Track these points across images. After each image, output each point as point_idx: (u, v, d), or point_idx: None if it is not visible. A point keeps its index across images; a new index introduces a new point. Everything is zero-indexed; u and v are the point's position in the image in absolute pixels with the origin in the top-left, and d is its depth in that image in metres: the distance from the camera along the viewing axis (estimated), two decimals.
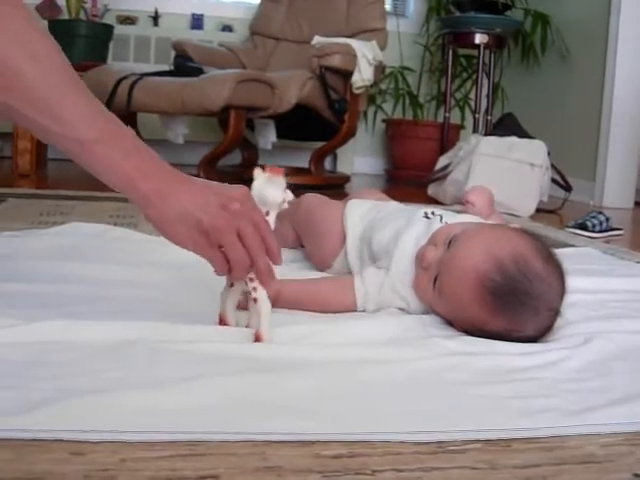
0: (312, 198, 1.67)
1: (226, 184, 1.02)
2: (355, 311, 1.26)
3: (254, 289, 1.02)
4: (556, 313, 1.13)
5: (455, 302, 1.14)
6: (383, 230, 1.36)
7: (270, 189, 1.02)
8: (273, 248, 1.00)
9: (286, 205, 1.05)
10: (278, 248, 1.01)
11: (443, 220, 1.31)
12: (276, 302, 1.17)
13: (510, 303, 1.08)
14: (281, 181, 1.03)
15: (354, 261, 1.44)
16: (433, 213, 1.35)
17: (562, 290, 1.12)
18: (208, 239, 0.96)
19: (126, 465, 0.68)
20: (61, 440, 0.71)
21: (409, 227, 1.31)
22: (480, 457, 0.75)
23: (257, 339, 1.01)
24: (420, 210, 1.38)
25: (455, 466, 0.73)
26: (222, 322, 1.08)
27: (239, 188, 1.00)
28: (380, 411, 0.84)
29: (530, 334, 1.12)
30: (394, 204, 1.54)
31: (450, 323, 1.19)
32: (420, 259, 1.20)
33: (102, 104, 0.98)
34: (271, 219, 1.04)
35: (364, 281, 1.26)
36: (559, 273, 1.12)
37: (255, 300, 1.03)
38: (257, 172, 1.04)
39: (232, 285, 1.06)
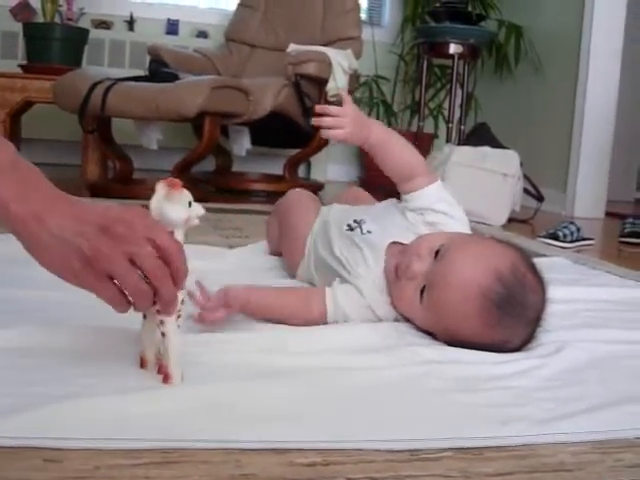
0: (293, 196, 1.64)
1: (121, 205, 0.88)
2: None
3: (161, 322, 0.89)
4: (541, 323, 1.14)
5: (449, 315, 1.11)
6: (324, 249, 1.36)
7: (170, 206, 0.88)
8: (178, 267, 0.85)
9: (196, 222, 0.92)
10: (185, 268, 0.87)
11: (364, 229, 1.30)
12: (244, 309, 1.17)
13: (509, 315, 1.09)
14: (182, 196, 0.89)
15: (312, 274, 1.42)
16: (356, 222, 1.33)
17: (546, 300, 1.13)
18: (92, 269, 0.82)
19: (100, 472, 0.68)
20: (35, 447, 0.71)
21: (334, 246, 1.32)
22: (453, 465, 0.75)
23: (164, 379, 0.90)
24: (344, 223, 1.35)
25: (428, 474, 0.73)
26: (143, 364, 0.95)
27: (131, 208, 0.87)
28: (354, 419, 0.84)
29: (517, 344, 1.13)
30: (363, 208, 1.46)
31: (429, 333, 1.19)
32: (405, 270, 1.16)
33: None
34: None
35: (336, 299, 1.23)
36: (544, 283, 1.14)
37: (163, 335, 0.90)
38: (157, 187, 0.89)
39: (145, 317, 0.93)
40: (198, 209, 0.91)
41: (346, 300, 1.22)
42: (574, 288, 1.63)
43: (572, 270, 1.96)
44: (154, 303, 0.87)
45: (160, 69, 3.46)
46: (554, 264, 2.01)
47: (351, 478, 0.71)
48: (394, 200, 1.38)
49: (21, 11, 4.31)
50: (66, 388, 0.85)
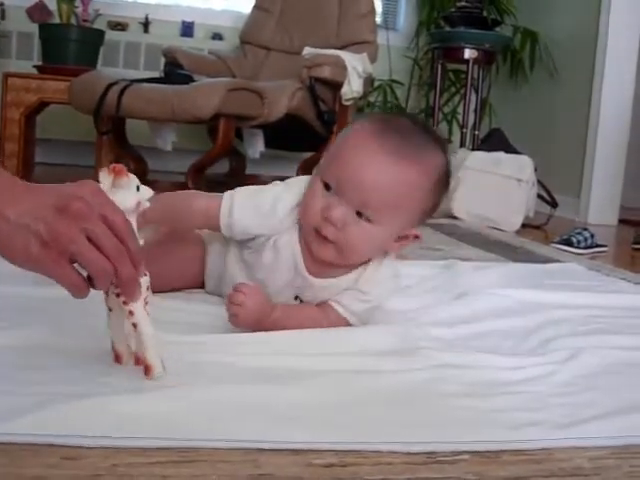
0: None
1: (71, 183, 0.85)
2: None
3: (131, 313, 0.87)
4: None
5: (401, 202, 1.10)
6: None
7: (118, 194, 0.86)
8: (133, 250, 0.84)
9: (146, 204, 0.90)
10: (139, 252, 0.85)
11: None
12: (264, 324, 1.13)
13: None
14: (129, 182, 0.87)
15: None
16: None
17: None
18: (51, 252, 0.79)
19: (118, 470, 0.68)
20: (52, 445, 0.71)
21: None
22: (470, 468, 0.75)
23: (146, 372, 0.88)
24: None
25: (445, 477, 0.73)
26: (117, 358, 0.93)
27: (85, 184, 0.84)
28: (372, 421, 0.84)
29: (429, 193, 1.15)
30: None
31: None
32: (331, 220, 1.09)
33: None
34: None
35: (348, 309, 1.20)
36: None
37: (134, 326, 0.88)
38: (103, 175, 0.87)
39: (110, 310, 0.91)
40: (147, 192, 0.90)
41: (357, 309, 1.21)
42: (588, 294, 1.63)
43: (586, 276, 1.96)
44: (116, 287, 0.85)
45: (175, 71, 3.47)
46: (568, 270, 2.00)
47: (368, 479, 0.71)
48: None
49: (37, 12, 4.33)
50: (82, 387, 0.85)
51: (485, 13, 4.21)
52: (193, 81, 3.24)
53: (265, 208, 1.18)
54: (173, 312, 1.20)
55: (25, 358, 0.93)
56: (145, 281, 0.88)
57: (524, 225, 3.24)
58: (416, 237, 1.19)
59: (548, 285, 1.70)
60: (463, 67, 4.35)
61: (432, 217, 1.24)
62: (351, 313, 1.20)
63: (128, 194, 0.87)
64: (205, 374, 0.93)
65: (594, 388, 1.02)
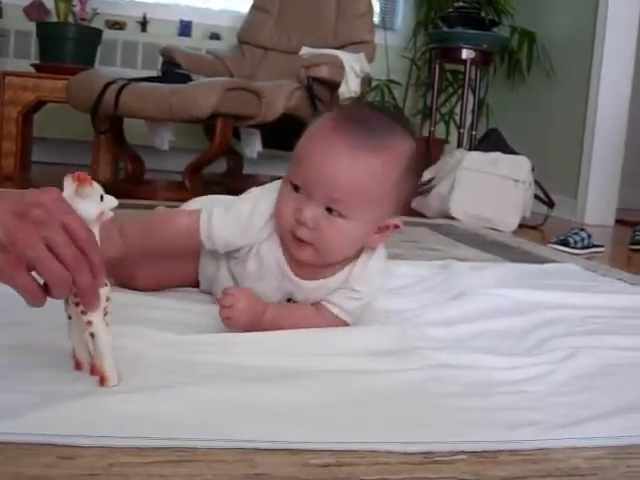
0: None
1: (34, 189, 0.84)
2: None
3: (89, 323, 0.85)
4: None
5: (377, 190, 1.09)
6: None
7: (81, 203, 0.85)
8: (93, 260, 0.82)
9: (110, 214, 0.89)
10: (100, 261, 0.83)
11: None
12: (259, 324, 1.13)
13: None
14: (92, 191, 0.86)
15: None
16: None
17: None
18: (8, 257, 0.78)
19: (114, 470, 0.68)
20: (49, 444, 0.71)
21: None
22: (467, 468, 0.75)
23: (101, 382, 0.87)
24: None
25: (442, 477, 0.73)
26: (78, 365, 0.92)
27: (47, 191, 0.83)
28: (368, 421, 0.84)
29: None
30: None
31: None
32: (303, 222, 1.08)
33: None
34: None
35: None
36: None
37: (92, 336, 0.86)
38: (66, 182, 0.85)
39: (70, 317, 0.89)
40: (111, 201, 0.89)
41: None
42: (585, 294, 1.63)
43: (583, 277, 1.96)
44: (75, 296, 0.84)
45: (173, 70, 3.47)
46: (565, 270, 2.00)
47: (364, 479, 0.71)
48: None
49: (35, 10, 4.33)
50: (79, 386, 0.86)
51: (483, 13, 4.22)
52: (191, 80, 3.24)
53: (243, 219, 1.17)
54: (168, 311, 1.20)
55: (22, 357, 0.93)
56: (105, 291, 0.87)
57: (521, 225, 3.24)
58: (396, 227, 1.16)
59: (545, 285, 1.70)
60: (461, 67, 4.36)
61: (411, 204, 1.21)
62: (346, 312, 1.20)
63: (91, 203, 0.86)
64: (201, 374, 0.92)
65: (591, 388, 1.02)
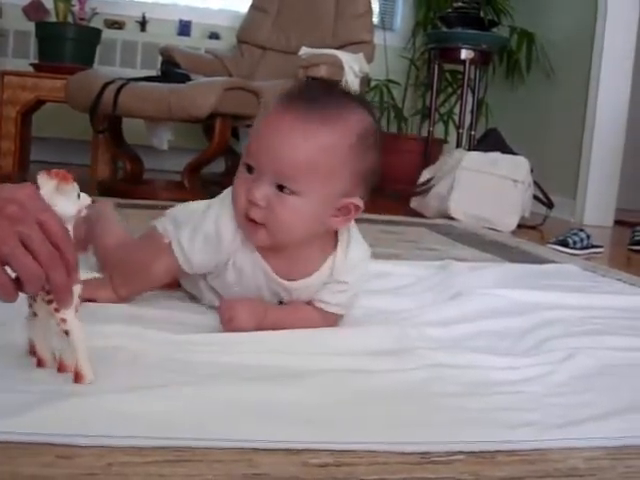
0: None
1: (9, 184, 0.84)
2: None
3: (63, 320, 0.85)
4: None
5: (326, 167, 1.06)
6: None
7: (60, 200, 0.85)
8: (68, 257, 0.82)
9: (84, 212, 0.89)
10: (75, 259, 0.84)
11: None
12: (260, 326, 1.14)
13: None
14: (72, 189, 0.86)
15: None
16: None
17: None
18: None
19: (113, 470, 0.68)
20: (48, 443, 0.71)
21: None
22: (465, 468, 0.75)
23: (76, 379, 0.86)
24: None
25: (440, 477, 0.73)
26: (40, 362, 0.91)
27: (22, 187, 0.83)
28: (367, 421, 0.84)
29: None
30: None
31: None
32: (252, 201, 1.07)
33: None
34: None
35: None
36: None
37: (67, 333, 0.86)
38: (43, 179, 0.85)
39: (35, 315, 0.89)
40: (86, 200, 0.88)
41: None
42: (584, 295, 1.63)
43: (581, 277, 1.96)
44: (47, 293, 0.84)
45: (172, 70, 3.47)
46: (563, 271, 2.00)
47: (363, 479, 0.71)
48: None
49: (34, 10, 4.33)
50: (78, 386, 0.85)
51: (482, 14, 4.22)
52: (190, 80, 3.24)
53: (212, 238, 1.15)
54: (167, 311, 1.21)
55: (21, 356, 0.93)
56: (78, 289, 0.86)
57: (520, 226, 3.25)
58: (357, 208, 1.11)
59: (544, 286, 1.70)
60: (460, 68, 4.36)
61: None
62: (340, 307, 1.20)
63: (70, 201, 0.86)
64: (200, 373, 0.92)
65: (589, 389, 1.02)
